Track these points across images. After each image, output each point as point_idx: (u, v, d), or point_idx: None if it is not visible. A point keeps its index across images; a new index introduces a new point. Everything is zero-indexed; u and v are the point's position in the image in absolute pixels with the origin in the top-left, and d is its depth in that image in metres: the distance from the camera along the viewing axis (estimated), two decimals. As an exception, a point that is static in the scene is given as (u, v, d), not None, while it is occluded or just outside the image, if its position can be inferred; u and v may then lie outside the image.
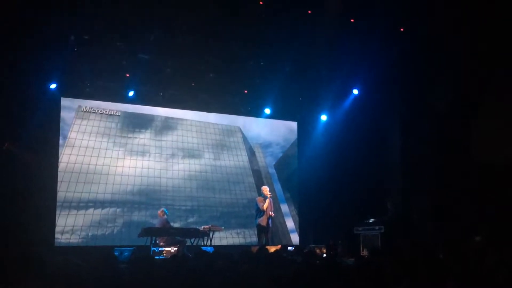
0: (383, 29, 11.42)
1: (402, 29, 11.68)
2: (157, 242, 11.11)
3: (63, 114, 12.50)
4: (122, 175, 12.92)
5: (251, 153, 14.78)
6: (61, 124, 12.42)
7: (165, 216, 11.81)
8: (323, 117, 14.80)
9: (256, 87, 13.67)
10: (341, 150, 14.13)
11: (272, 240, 12.17)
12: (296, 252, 9.93)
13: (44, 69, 11.40)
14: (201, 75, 12.86)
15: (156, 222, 11.84)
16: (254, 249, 9.29)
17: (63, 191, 12.16)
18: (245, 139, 14.77)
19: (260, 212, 11.95)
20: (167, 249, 10.70)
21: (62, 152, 12.34)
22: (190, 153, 13.97)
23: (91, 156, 12.69)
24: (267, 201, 11.94)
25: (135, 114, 13.46)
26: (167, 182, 13.49)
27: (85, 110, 12.84)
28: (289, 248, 10.95)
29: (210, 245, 11.41)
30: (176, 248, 10.59)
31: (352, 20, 11.35)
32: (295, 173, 15.19)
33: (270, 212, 11.97)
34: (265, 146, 14.97)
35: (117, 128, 13.17)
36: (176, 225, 12.41)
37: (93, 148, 12.76)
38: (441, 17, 10.84)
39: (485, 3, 10.27)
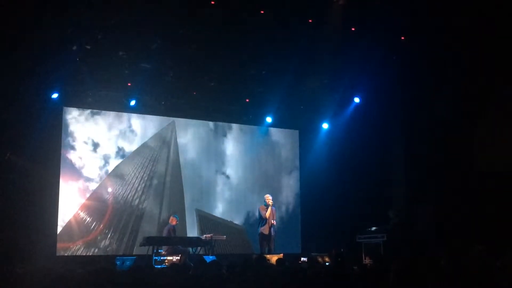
0: (384, 37, 11.44)
1: (403, 38, 11.68)
2: (160, 251, 11.09)
3: (65, 123, 12.52)
4: (124, 183, 12.91)
5: (251, 161, 14.74)
6: (63, 133, 12.43)
7: (175, 223, 11.81)
8: (325, 126, 14.80)
9: (257, 95, 13.68)
10: (343, 159, 14.11)
11: (274, 248, 12.14)
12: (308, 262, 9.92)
13: (46, 79, 11.43)
14: (202, 84, 12.87)
15: (164, 230, 11.85)
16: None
17: (64, 200, 12.15)
18: (246, 147, 14.73)
19: (262, 220, 11.95)
20: (169, 258, 10.67)
21: (64, 161, 12.34)
22: (190, 161, 13.97)
23: (93, 164, 12.71)
24: (269, 209, 11.93)
25: (134, 117, 13.44)
26: (170, 191, 13.48)
27: (87, 118, 12.84)
28: (302, 258, 10.95)
29: (212, 254, 11.38)
30: (179, 257, 10.56)
31: (353, 29, 11.36)
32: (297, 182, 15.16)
33: (272, 221, 11.97)
34: (266, 154, 14.92)
35: (119, 134, 13.17)
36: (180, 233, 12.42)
37: (95, 157, 12.77)
38: (442, 25, 10.86)
39: (486, 11, 10.28)
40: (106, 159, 12.92)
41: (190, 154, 13.98)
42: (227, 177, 14.31)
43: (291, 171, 15.12)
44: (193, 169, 13.92)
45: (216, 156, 14.30)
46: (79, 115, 12.74)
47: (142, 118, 13.50)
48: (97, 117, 12.96)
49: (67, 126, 12.55)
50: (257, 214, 12.57)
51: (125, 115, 13.28)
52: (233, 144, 14.53)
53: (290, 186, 15.01)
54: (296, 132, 15.33)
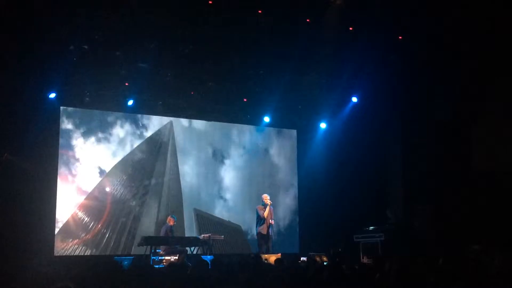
0: (382, 37, 11.43)
1: (400, 37, 11.68)
2: (158, 251, 11.07)
3: (62, 123, 12.48)
4: (122, 182, 12.89)
5: (250, 161, 14.73)
6: (60, 132, 12.39)
7: (173, 223, 11.78)
8: (323, 125, 14.78)
9: (255, 95, 13.66)
10: (341, 158, 14.10)
11: (272, 248, 12.13)
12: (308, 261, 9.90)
13: (43, 79, 11.40)
14: (200, 84, 12.86)
15: (162, 230, 11.83)
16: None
17: (62, 199, 12.12)
18: (243, 146, 14.72)
19: (260, 220, 11.94)
20: (167, 258, 10.65)
21: (61, 161, 12.31)
22: (185, 163, 13.96)
23: (91, 164, 12.68)
24: (267, 209, 11.92)
25: (131, 117, 13.41)
26: (169, 191, 13.47)
27: (84, 118, 12.81)
28: (302, 258, 10.92)
29: (210, 254, 11.37)
30: (176, 257, 10.55)
31: (351, 28, 11.37)
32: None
33: (271, 220, 11.96)
34: (264, 154, 14.91)
35: (115, 135, 13.15)
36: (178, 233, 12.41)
37: (92, 156, 12.74)
38: (441, 25, 10.85)
39: (485, 11, 10.28)
40: (104, 159, 12.89)
41: (188, 155, 13.97)
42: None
43: (289, 172, 15.11)
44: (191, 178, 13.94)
45: (214, 154, 14.33)
46: (77, 115, 12.72)
47: (141, 116, 13.49)
48: (96, 117, 12.94)
49: (64, 125, 12.51)
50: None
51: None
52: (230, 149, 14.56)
53: (288, 186, 15.00)
54: (294, 131, 15.33)
